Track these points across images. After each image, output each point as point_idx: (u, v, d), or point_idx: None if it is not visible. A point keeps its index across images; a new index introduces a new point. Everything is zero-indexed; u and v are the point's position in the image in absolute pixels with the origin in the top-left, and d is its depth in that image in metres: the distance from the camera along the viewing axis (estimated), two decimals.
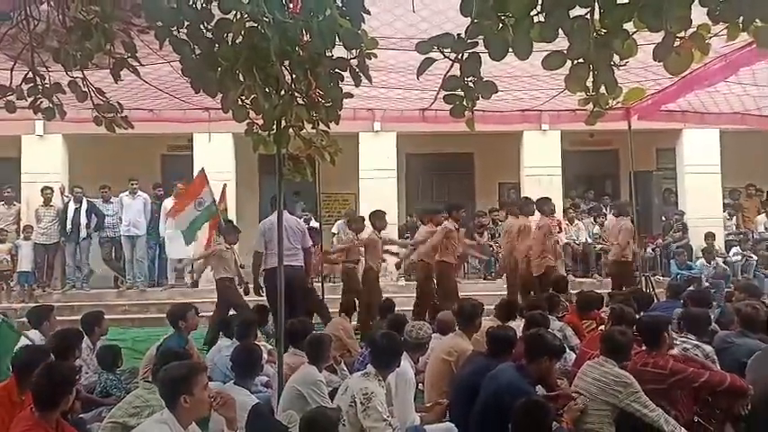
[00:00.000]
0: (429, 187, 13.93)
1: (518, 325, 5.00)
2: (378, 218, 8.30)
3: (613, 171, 13.77)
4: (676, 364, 3.74)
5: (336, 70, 3.38)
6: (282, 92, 3.46)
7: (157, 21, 3.15)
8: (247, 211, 12.19)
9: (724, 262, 10.48)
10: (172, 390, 2.72)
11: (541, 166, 11.90)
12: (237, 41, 3.14)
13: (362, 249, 8.22)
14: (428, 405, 4.33)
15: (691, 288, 6.64)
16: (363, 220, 8.71)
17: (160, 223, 10.49)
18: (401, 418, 3.62)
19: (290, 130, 3.77)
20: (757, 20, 2.26)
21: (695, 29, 2.36)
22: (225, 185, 10.39)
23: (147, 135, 9.87)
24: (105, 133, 4.36)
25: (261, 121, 3.68)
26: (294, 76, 3.45)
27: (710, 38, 2.46)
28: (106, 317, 5.98)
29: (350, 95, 3.75)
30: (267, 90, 3.42)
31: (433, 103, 7.82)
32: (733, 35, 2.40)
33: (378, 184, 11.46)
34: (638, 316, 4.71)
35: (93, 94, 4.15)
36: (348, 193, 12.97)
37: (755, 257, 10.86)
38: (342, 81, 3.44)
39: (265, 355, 4.83)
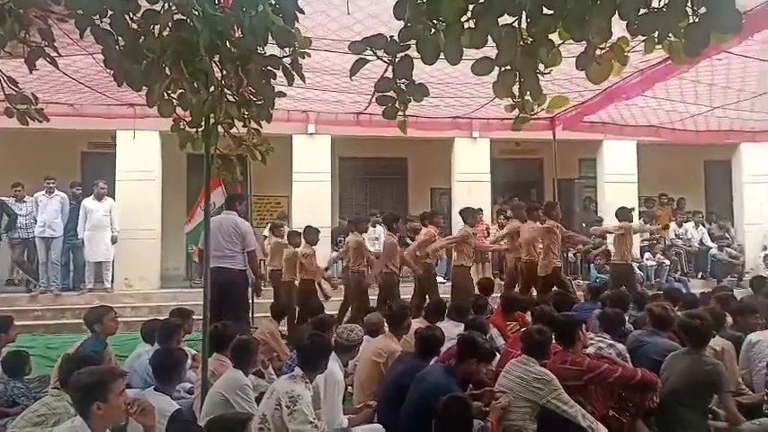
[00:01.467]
0: (363, 191, 13.99)
1: (445, 326, 5.09)
2: (309, 233, 8.37)
3: (538, 179, 14.34)
4: (592, 361, 3.93)
5: (268, 68, 3.33)
6: (212, 88, 3.37)
7: (78, 8, 2.99)
8: (174, 212, 11.79)
9: (639, 267, 11.08)
10: (84, 396, 2.59)
11: (471, 172, 12.19)
12: (164, 33, 3.03)
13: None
14: (357, 407, 4.32)
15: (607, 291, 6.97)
16: (317, 232, 8.58)
17: (78, 224, 9.94)
18: (329, 420, 3.59)
19: (220, 127, 3.68)
20: (671, 35, 2.42)
21: (615, 41, 2.49)
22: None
23: (67, 131, 9.36)
24: (20, 128, 4.08)
25: (188, 118, 3.57)
26: (224, 72, 3.36)
27: (629, 51, 2.60)
28: (17, 323, 5.59)
29: (282, 94, 3.70)
30: (195, 85, 3.32)
31: (367, 107, 7.86)
32: (649, 49, 2.54)
33: (311, 187, 11.36)
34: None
35: (4, 84, 3.88)
36: (281, 195, 12.81)
37: (668, 262, 11.57)
38: (274, 79, 3.39)
39: (189, 361, 4.67)
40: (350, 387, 4.97)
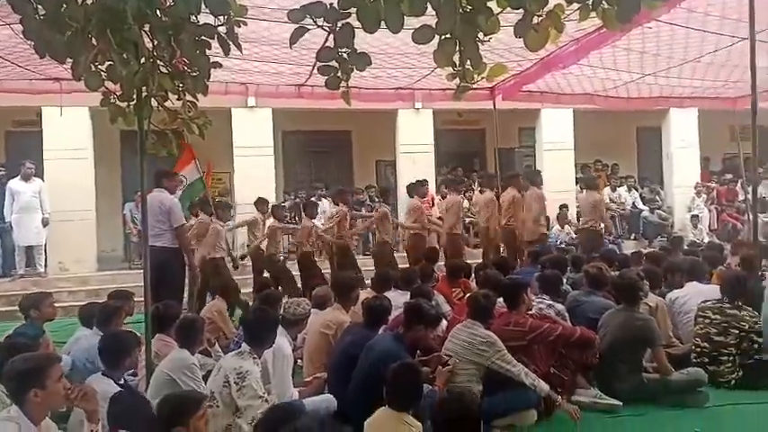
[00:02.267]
0: (307, 165, 13.82)
1: (392, 296, 5.15)
2: (220, 208, 8.34)
3: (480, 149, 14.55)
4: (534, 321, 4.10)
5: (202, 37, 3.20)
6: (142, 59, 3.22)
7: None
8: (109, 191, 11.33)
9: (575, 231, 11.51)
10: (20, 384, 2.49)
11: (415, 144, 12.24)
12: (88, 1, 2.86)
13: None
14: (307, 380, 4.34)
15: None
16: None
17: (5, 207, 9.40)
18: (279, 394, 3.59)
19: (153, 100, 3.53)
20: (604, 2, 2.48)
21: (552, 8, 2.53)
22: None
23: None
24: None
25: (119, 91, 3.40)
26: (156, 42, 3.22)
27: (565, 18, 2.65)
28: None
29: (218, 65, 3.58)
30: (125, 56, 3.16)
31: (308, 78, 7.71)
32: (584, 16, 2.60)
33: (253, 162, 11.13)
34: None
35: None
36: (222, 171, 12.48)
37: (602, 225, 12.05)
38: (209, 49, 3.27)
39: None
40: (299, 361, 4.99)
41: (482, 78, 3.01)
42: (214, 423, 3.21)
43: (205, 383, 3.58)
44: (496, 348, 3.75)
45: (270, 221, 8.98)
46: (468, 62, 2.81)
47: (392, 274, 5.92)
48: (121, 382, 3.44)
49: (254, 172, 10.85)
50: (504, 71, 3.26)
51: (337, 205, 9.04)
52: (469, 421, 2.52)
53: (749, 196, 10.60)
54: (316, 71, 3.22)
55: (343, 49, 2.74)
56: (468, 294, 5.18)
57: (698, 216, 12.37)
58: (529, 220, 8.67)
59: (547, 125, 12.99)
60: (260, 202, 9.15)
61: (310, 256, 8.55)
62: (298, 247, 8.93)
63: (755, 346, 4.49)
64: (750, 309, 4.64)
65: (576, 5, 2.63)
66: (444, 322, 4.88)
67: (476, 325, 3.87)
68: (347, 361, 3.87)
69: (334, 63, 2.83)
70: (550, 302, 4.69)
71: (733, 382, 4.48)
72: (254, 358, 3.36)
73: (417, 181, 9.60)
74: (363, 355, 3.72)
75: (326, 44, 2.84)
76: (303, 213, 9.08)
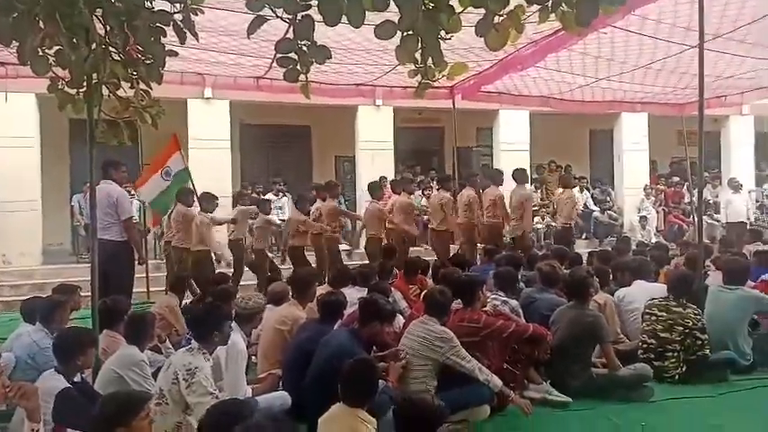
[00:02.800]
0: (265, 159, 13.63)
1: (349, 292, 5.14)
2: (205, 199, 8.21)
3: (439, 147, 14.68)
4: (488, 318, 4.15)
5: (157, 25, 3.10)
6: (94, 44, 3.10)
7: None
8: (56, 181, 10.90)
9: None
10: None
11: (375, 140, 12.24)
12: None
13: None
14: (261, 376, 4.28)
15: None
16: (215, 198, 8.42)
17: None
18: (232, 391, 3.52)
19: (104, 88, 3.41)
20: (564, 5, 2.53)
21: (513, 9, 2.56)
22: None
23: None
24: None
25: (68, 77, 3.27)
26: (108, 27, 3.10)
27: (525, 19, 2.69)
28: None
29: (174, 54, 3.49)
30: (75, 41, 3.03)
31: (268, 70, 7.59)
32: (543, 18, 2.65)
33: (210, 154, 10.88)
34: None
35: None
36: None
37: (555, 224, 12.34)
38: (164, 37, 3.17)
39: None
40: (253, 357, 4.92)
41: (443, 76, 3.03)
42: (163, 421, 3.13)
43: (154, 381, 3.49)
44: (451, 344, 3.78)
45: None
46: (430, 60, 2.82)
47: (350, 271, 5.91)
48: (76, 379, 3.31)
49: (210, 165, 10.58)
50: (465, 70, 3.28)
51: (324, 201, 9.00)
52: (429, 424, 2.53)
53: (695, 199, 11.06)
54: (275, 63, 3.17)
55: (303, 42, 2.70)
56: (424, 291, 5.21)
57: (646, 217, 12.81)
58: (511, 217, 8.92)
59: (504, 126, 13.20)
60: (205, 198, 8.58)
61: (301, 251, 8.55)
62: (286, 241, 9.05)
63: (699, 342, 4.67)
64: (694, 307, 4.82)
65: (535, 7, 2.67)
66: (401, 319, 4.90)
67: (431, 321, 3.90)
68: (302, 357, 3.83)
69: (293, 55, 2.79)
70: (505, 299, 4.77)
71: (677, 377, 4.65)
72: (204, 354, 3.28)
73: (376, 182, 9.66)
74: (318, 351, 3.70)
75: (286, 36, 2.80)
76: (294, 207, 9.10)
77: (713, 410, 4.15)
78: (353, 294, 5.17)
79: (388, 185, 11.52)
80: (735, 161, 14.70)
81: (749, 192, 13.36)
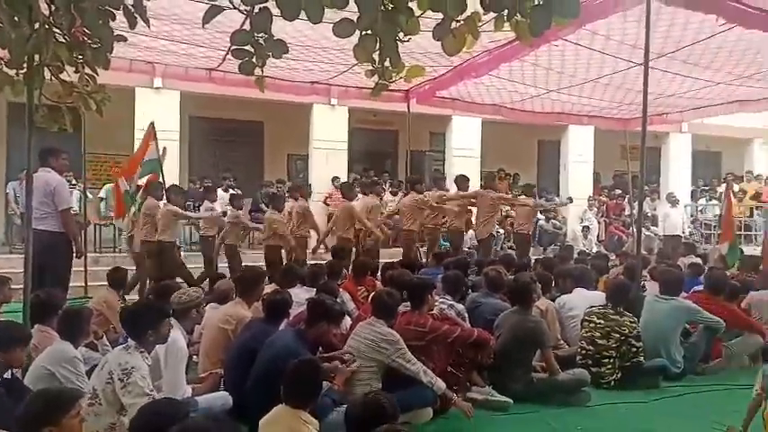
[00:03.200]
0: (214, 154, 13.34)
1: (296, 292, 5.09)
2: (173, 192, 8.17)
3: (393, 150, 14.74)
4: (434, 322, 4.18)
5: (107, 7, 2.97)
6: (37, 24, 2.94)
7: None
8: None
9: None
10: None
11: (329, 140, 12.19)
12: None
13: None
14: (202, 376, 4.16)
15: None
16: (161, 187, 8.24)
17: None
18: (170, 390, 3.40)
19: (46, 70, 3.24)
20: (519, 14, 2.57)
21: (470, 14, 2.59)
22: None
23: None
24: None
25: (7, 57, 3.09)
26: (54, 7, 2.95)
27: (481, 26, 2.72)
28: None
29: (123, 39, 3.34)
30: (16, 18, 2.87)
31: (221, 63, 7.45)
32: (499, 26, 2.68)
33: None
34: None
35: None
36: (121, 154, 11.77)
37: (502, 231, 12.59)
38: (113, 20, 3.04)
39: None
40: (195, 357, 4.79)
41: (400, 78, 3.03)
42: (96, 422, 3.00)
43: (88, 379, 3.34)
44: (397, 347, 3.79)
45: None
46: (388, 60, 2.82)
47: (298, 270, 5.84)
48: (6, 375, 3.13)
49: None
50: (422, 73, 3.30)
51: (296, 200, 9.01)
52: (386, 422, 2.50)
53: (635, 211, 11.52)
54: (229, 55, 3.11)
55: (260, 34, 2.65)
56: (373, 293, 5.21)
57: (588, 227, 13.23)
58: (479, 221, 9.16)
59: (457, 132, 13.40)
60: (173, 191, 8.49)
61: (278, 250, 8.45)
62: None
63: (634, 349, 4.85)
64: (630, 315, 5.01)
65: (491, 15, 2.71)
66: (348, 320, 4.87)
67: (379, 323, 3.90)
68: (246, 356, 3.75)
69: (249, 48, 2.73)
70: (452, 303, 4.82)
71: (612, 382, 4.81)
72: (141, 353, 3.15)
73: (348, 182, 9.75)
74: (263, 351, 3.63)
75: (243, 27, 2.74)
76: (270, 206, 8.96)
77: (645, 416, 4.31)
78: (301, 294, 5.11)
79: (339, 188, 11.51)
80: (673, 176, 15.40)
81: (685, 206, 14.01)
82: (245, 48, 2.74)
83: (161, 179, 8.45)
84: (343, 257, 7.19)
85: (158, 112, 10.62)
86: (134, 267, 8.08)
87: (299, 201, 9.01)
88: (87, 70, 3.37)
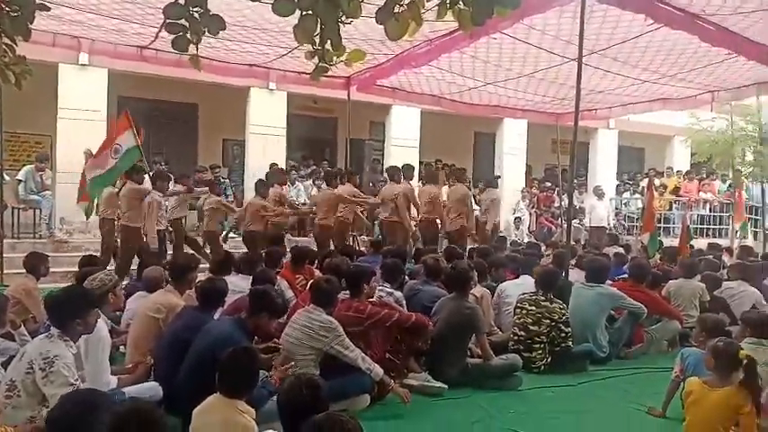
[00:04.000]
0: (146, 136, 12.71)
1: (233, 280, 4.97)
2: (159, 178, 8.11)
3: (332, 138, 14.62)
4: (373, 308, 4.19)
5: None
6: None
7: None
8: None
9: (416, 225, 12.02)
10: None
11: (267, 125, 11.94)
12: None
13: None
14: (129, 366, 3.99)
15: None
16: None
17: None
18: (93, 381, 3.22)
19: None
20: (461, 3, 2.58)
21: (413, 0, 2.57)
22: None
23: None
24: None
25: None
26: None
27: (424, 12, 2.71)
28: None
29: (45, 8, 3.14)
30: None
31: (153, 40, 7.11)
32: (442, 13, 2.68)
33: (81, 126, 9.97)
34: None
35: None
36: (42, 134, 11.10)
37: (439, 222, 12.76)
38: None
39: None
40: (122, 347, 4.59)
41: (341, 61, 2.98)
42: (14, 415, 2.82)
43: (4, 370, 3.13)
44: (336, 334, 3.77)
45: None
46: (329, 42, 2.76)
47: (233, 258, 5.69)
48: None
49: (81, 138, 9.60)
50: (363, 57, 3.25)
51: (272, 186, 9.09)
52: (320, 405, 2.44)
53: (564, 203, 11.96)
54: (162, 33, 2.95)
55: (195, 8, 2.54)
56: (311, 281, 5.15)
57: (520, 218, 13.62)
58: (450, 212, 9.22)
59: (396, 121, 13.44)
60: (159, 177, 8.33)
61: (260, 236, 8.40)
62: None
63: (563, 335, 5.04)
64: (560, 302, 5.19)
65: (434, 3, 2.71)
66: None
67: (317, 310, 3.86)
68: (178, 346, 3.62)
69: (183, 22, 2.61)
70: (390, 290, 4.84)
71: (543, 367, 4.99)
72: (66, 341, 2.97)
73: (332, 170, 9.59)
74: (198, 340, 3.51)
75: (177, 1, 2.61)
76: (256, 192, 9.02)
77: (573, 398, 4.50)
78: (237, 282, 5.00)
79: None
80: (600, 171, 16.10)
81: (610, 199, 14.67)
82: (179, 22, 2.62)
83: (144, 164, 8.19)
84: (280, 244, 7.07)
85: (84, 91, 10.09)
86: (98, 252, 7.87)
87: (276, 187, 9.12)
88: (6, 40, 3.14)
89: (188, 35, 2.65)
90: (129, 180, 7.71)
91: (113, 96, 10.85)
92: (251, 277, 5.01)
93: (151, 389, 3.52)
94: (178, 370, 3.54)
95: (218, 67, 8.11)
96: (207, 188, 9.26)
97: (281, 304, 3.87)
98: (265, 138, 11.93)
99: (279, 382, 3.51)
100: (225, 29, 2.66)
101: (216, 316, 4.05)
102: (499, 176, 12.39)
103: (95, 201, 8.10)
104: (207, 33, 2.69)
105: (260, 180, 9.23)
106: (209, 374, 2.88)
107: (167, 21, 2.61)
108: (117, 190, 8.01)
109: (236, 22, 6.00)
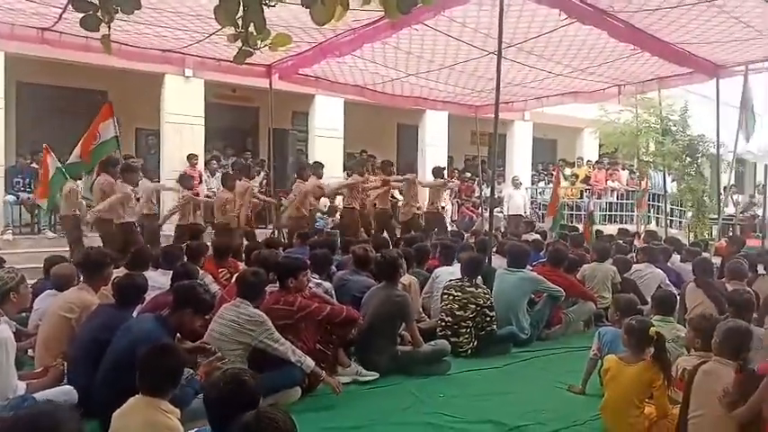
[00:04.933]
0: (49, 126, 11.87)
1: (152, 275, 4.74)
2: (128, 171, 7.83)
3: (253, 127, 14.25)
4: (303, 300, 4.13)
5: None
6: None
7: None
8: None
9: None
10: None
11: (183, 114, 11.44)
12: None
13: None
14: (39, 370, 3.71)
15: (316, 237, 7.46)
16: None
17: None
18: None
19: None
20: None
21: None
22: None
23: None
24: None
25: None
26: None
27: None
28: None
29: None
30: None
31: (57, 21, 6.59)
32: (367, 0, 2.65)
33: None
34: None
35: None
36: None
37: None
38: None
39: None
40: (30, 351, 4.28)
41: (265, 45, 2.88)
42: None
43: None
44: (264, 327, 3.69)
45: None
46: (252, 26, 2.66)
47: (151, 252, 5.42)
48: None
49: None
50: (289, 42, 3.15)
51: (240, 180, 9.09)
52: (248, 399, 2.35)
53: (485, 193, 12.31)
54: (67, 14, 2.73)
55: None
56: (235, 275, 5.00)
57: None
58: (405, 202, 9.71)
59: (320, 111, 13.29)
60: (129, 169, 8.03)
61: (227, 227, 8.51)
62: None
63: (488, 319, 5.19)
64: (484, 287, 5.35)
65: None
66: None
67: (244, 304, 3.75)
68: (94, 346, 3.40)
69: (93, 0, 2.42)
70: (319, 281, 4.79)
71: (469, 351, 5.12)
72: None
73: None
74: (117, 339, 3.31)
75: None
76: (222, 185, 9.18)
77: (499, 380, 4.65)
78: (156, 278, 4.78)
79: (197, 164, 10.98)
80: (516, 161, 16.71)
81: (526, 189, 15.27)
82: (89, 0, 2.43)
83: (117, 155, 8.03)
84: (198, 238, 6.83)
85: None
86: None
87: (243, 180, 9.08)
88: None
89: (98, 14, 2.47)
90: (104, 173, 7.62)
91: (11, 82, 10.03)
92: (171, 272, 4.79)
93: (65, 393, 3.30)
94: (94, 372, 3.33)
95: (129, 52, 7.66)
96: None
97: (208, 300, 3.67)
98: (182, 127, 11.44)
99: (204, 378, 3.38)
100: (140, 8, 2.50)
101: (134, 314, 3.85)
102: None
103: (57, 195, 7.81)
104: (120, 13, 2.52)
105: (226, 173, 9.52)
106: (129, 375, 2.72)
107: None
108: (75, 185, 7.82)
109: (150, 4, 5.68)
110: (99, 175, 7.76)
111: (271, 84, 9.39)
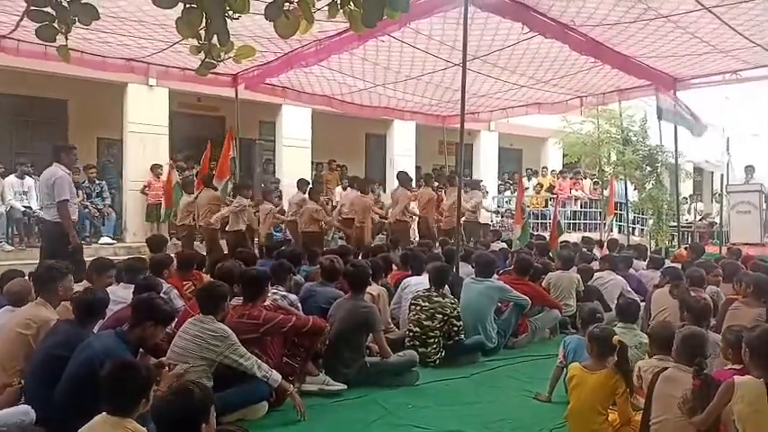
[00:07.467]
0: (8, 135, 11.56)
1: (113, 289, 4.63)
2: None
3: (219, 137, 14.05)
4: (268, 313, 4.08)
5: None
6: None
7: None
8: None
9: None
10: None
11: (147, 123, 11.26)
12: None
13: None
14: None
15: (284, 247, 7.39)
16: None
17: None
18: None
19: None
20: (352, 3, 2.58)
21: None
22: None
23: None
24: None
25: None
26: None
27: (315, 12, 2.67)
28: None
29: None
30: None
31: (15, 29, 6.43)
32: (333, 13, 2.66)
33: None
34: None
35: None
36: None
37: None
38: None
39: None
40: None
41: (229, 57, 2.86)
42: None
43: None
44: (229, 342, 3.62)
45: None
46: (215, 38, 2.64)
47: (110, 264, 5.27)
48: None
49: None
50: (253, 53, 3.14)
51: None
52: (197, 411, 2.28)
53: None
54: (26, 21, 2.65)
55: None
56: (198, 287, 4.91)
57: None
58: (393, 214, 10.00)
59: (287, 121, 13.25)
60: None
61: (216, 233, 8.80)
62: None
63: (455, 328, 5.21)
64: (452, 296, 5.38)
65: (325, 1, 2.68)
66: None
67: (208, 318, 3.68)
68: (53, 364, 3.28)
69: (50, 10, 2.37)
70: (284, 293, 4.74)
71: (438, 361, 5.13)
72: None
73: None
74: (76, 356, 3.20)
75: None
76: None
77: (467, 389, 4.66)
78: (118, 292, 4.66)
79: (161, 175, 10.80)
80: (483, 170, 16.91)
81: (493, 198, 15.45)
82: (45, 9, 2.38)
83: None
84: (162, 249, 6.69)
85: None
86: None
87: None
88: None
89: (55, 24, 2.41)
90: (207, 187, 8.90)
91: None
92: (132, 286, 4.67)
93: (23, 413, 3.17)
94: (53, 391, 3.22)
95: (91, 61, 7.53)
96: None
97: (169, 311, 3.59)
98: (145, 136, 11.25)
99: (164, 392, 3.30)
100: (98, 18, 2.46)
101: (95, 330, 3.75)
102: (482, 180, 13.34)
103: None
104: (78, 23, 2.47)
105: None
106: (89, 393, 2.64)
107: (30, 8, 2.36)
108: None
109: (112, 13, 5.59)
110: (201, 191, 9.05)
111: (237, 93, 9.33)
